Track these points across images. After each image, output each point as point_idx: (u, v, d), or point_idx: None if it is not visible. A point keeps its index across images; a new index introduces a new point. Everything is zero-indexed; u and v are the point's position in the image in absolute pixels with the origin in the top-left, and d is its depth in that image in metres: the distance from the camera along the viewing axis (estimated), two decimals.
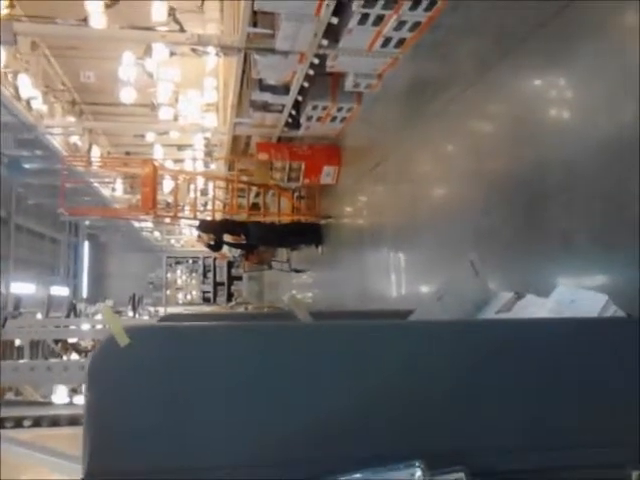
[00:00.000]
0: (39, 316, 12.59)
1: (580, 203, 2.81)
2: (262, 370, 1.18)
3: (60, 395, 5.14)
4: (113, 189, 17.23)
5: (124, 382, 1.15)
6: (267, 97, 6.89)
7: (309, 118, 7.17)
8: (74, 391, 5.51)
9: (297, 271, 10.90)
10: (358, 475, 1.10)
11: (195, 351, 1.17)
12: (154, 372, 1.16)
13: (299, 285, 11.79)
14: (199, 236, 10.03)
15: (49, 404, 4.73)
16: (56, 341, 9.16)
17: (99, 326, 7.47)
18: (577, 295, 1.47)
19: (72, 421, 2.83)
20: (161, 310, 16.88)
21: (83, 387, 1.34)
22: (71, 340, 10.02)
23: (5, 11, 7.86)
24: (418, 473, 1.06)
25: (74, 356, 9.30)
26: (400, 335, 1.28)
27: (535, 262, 3.17)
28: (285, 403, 1.18)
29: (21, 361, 5.80)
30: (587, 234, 2.75)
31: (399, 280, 5.63)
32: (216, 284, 21.19)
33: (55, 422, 2.92)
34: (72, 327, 8.66)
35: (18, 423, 2.82)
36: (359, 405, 1.20)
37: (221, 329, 1.28)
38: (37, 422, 2.87)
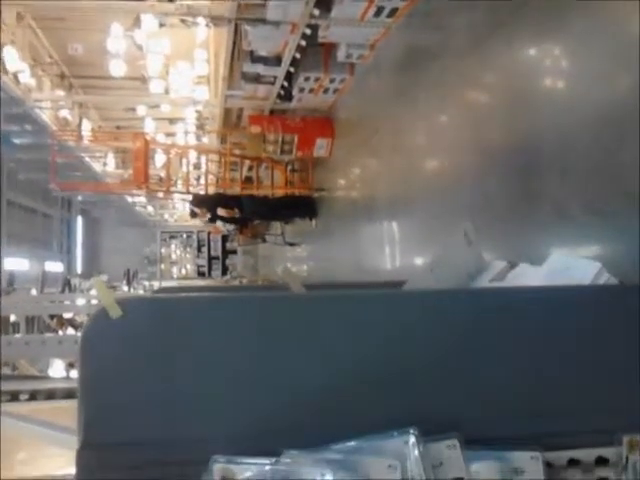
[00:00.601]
0: (34, 292, 12.59)
1: (574, 172, 2.81)
2: (255, 340, 1.18)
3: (57, 369, 5.16)
4: (105, 164, 17.09)
5: (117, 354, 1.15)
6: (259, 69, 6.81)
7: (301, 90, 7.11)
8: (71, 365, 5.53)
9: (291, 244, 10.92)
10: (352, 443, 1.10)
11: (187, 322, 1.17)
12: (147, 343, 1.16)
13: (293, 258, 11.81)
14: (192, 211, 10.00)
15: (46, 378, 4.76)
16: (51, 316, 9.17)
17: (94, 301, 7.47)
18: (570, 263, 1.48)
19: (68, 394, 2.85)
20: (156, 284, 16.91)
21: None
22: (67, 315, 10.04)
23: None
24: (412, 440, 1.07)
25: (70, 331, 9.33)
26: (392, 304, 1.28)
27: (529, 231, 3.18)
28: (279, 373, 1.18)
29: (16, 335, 5.81)
30: (580, 203, 2.75)
31: (393, 252, 5.64)
32: (211, 258, 21.20)
33: (51, 395, 2.94)
34: (67, 302, 8.66)
35: (14, 397, 2.84)
36: (353, 373, 1.21)
37: (213, 300, 1.27)
38: (33, 396, 2.89)
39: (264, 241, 12.56)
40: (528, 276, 1.58)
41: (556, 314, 1.27)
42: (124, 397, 1.15)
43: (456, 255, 1.71)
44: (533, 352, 1.27)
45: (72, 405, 1.20)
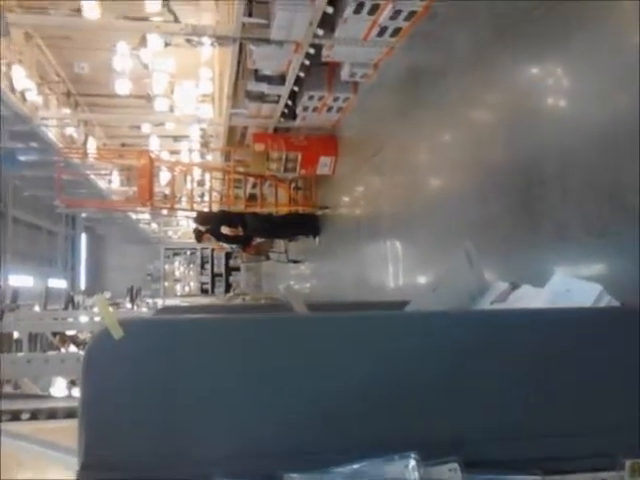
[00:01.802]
0: (37, 309, 12.59)
1: (576, 192, 2.81)
2: (257, 362, 1.18)
3: (59, 387, 5.15)
4: (109, 181, 17.17)
5: (119, 375, 1.15)
6: (263, 87, 6.86)
7: (305, 108, 7.15)
8: (72, 383, 5.52)
9: (294, 261, 10.92)
10: (353, 466, 1.10)
11: (189, 344, 1.17)
12: (149, 365, 1.16)
13: (297, 276, 11.81)
14: (198, 236, 9.94)
15: (48, 397, 4.74)
16: (54, 334, 9.16)
17: (97, 318, 7.47)
18: (572, 285, 1.48)
19: (70, 414, 2.84)
20: (159, 302, 16.91)
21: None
22: (69, 332, 10.02)
23: None
24: (412, 464, 1.07)
25: (72, 348, 9.31)
26: (394, 326, 1.29)
27: (531, 251, 3.18)
28: (280, 394, 1.18)
29: (19, 354, 5.81)
30: (582, 224, 2.75)
31: (396, 270, 5.64)
32: (214, 275, 21.23)
33: (53, 415, 2.93)
34: (70, 319, 8.66)
35: (16, 416, 2.83)
36: (354, 395, 1.21)
37: (215, 322, 1.28)
38: (35, 415, 2.88)
39: (268, 258, 12.57)
40: (530, 298, 1.58)
41: (557, 336, 1.27)
42: (125, 418, 1.15)
43: (458, 276, 1.71)
44: (534, 374, 1.27)
45: (73, 425, 1.20)
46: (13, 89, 10.36)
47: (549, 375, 1.27)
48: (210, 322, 1.28)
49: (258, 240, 11.32)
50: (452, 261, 1.74)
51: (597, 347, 1.29)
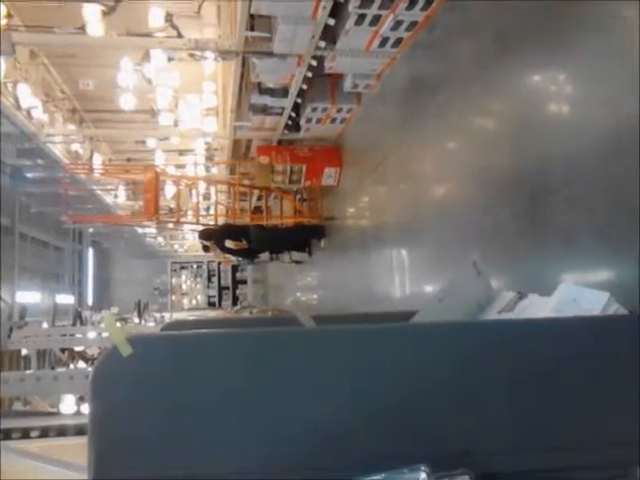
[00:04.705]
0: (45, 325, 12.62)
1: (582, 199, 2.80)
2: (266, 377, 1.18)
3: (68, 404, 5.15)
4: (115, 196, 17.26)
5: (128, 392, 1.16)
6: (266, 100, 6.89)
7: (309, 120, 7.18)
8: (81, 399, 5.52)
9: (297, 262, 10.90)
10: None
11: (198, 360, 1.17)
12: (158, 381, 1.16)
13: (303, 287, 11.79)
14: (205, 247, 10.05)
15: (57, 414, 4.74)
16: (62, 350, 9.18)
17: (105, 334, 7.48)
18: (579, 293, 1.47)
19: (79, 431, 2.84)
20: (167, 316, 16.92)
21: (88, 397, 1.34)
22: (77, 348, 10.04)
23: (3, 21, 7.88)
24: (423, 476, 1.06)
25: (81, 364, 9.32)
26: (403, 338, 1.28)
27: (538, 260, 3.17)
28: (289, 410, 1.18)
29: (27, 372, 5.81)
30: (590, 231, 2.74)
31: (402, 280, 5.63)
32: (221, 288, 21.23)
33: (62, 432, 2.93)
34: (78, 335, 8.68)
35: (25, 434, 2.83)
36: (364, 409, 1.20)
37: (223, 337, 1.28)
38: (45, 432, 2.89)
39: (272, 259, 12.59)
40: (537, 307, 1.57)
41: (567, 346, 1.26)
42: (134, 435, 1.15)
43: (465, 285, 1.71)
44: (545, 384, 1.26)
45: (83, 442, 1.20)
46: (19, 107, 10.44)
47: (560, 385, 1.27)
48: (218, 337, 1.28)
49: (263, 256, 11.34)
50: (459, 271, 1.73)
51: (608, 355, 1.28)
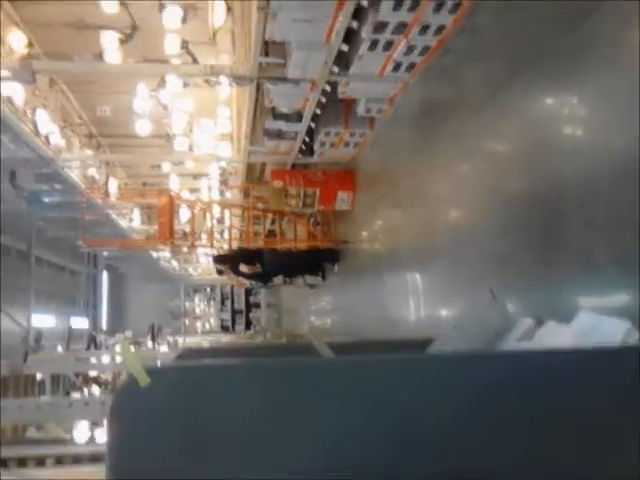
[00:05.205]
0: (60, 349, 12.66)
1: (599, 222, 2.78)
2: (283, 409, 1.17)
3: (81, 430, 5.13)
4: (130, 219, 17.38)
5: (146, 423, 1.15)
6: (280, 125, 6.95)
7: (322, 144, 7.22)
8: (95, 424, 5.50)
9: (311, 286, 10.89)
10: None
11: (215, 392, 1.16)
12: (175, 412, 1.16)
13: (317, 311, 11.75)
14: (219, 270, 10.14)
15: (70, 441, 4.72)
16: (77, 374, 9.19)
17: (119, 358, 7.48)
18: (599, 322, 1.45)
19: (93, 459, 2.82)
20: (180, 340, 16.91)
21: (105, 426, 1.34)
22: (92, 373, 10.05)
23: (24, 50, 8.04)
24: None
25: (95, 388, 9.32)
26: (423, 370, 1.27)
27: (554, 283, 3.13)
28: (311, 440, 1.17)
29: (43, 398, 5.82)
30: (606, 254, 2.71)
31: (417, 304, 5.59)
32: (234, 312, 21.20)
33: (76, 460, 2.91)
34: (92, 359, 8.69)
35: (40, 462, 2.82)
36: (382, 438, 1.19)
37: (240, 369, 1.27)
38: (59, 460, 2.87)
39: (285, 283, 12.67)
40: (556, 335, 1.55)
41: (586, 377, 1.24)
42: (153, 466, 1.14)
43: (482, 313, 1.69)
44: (566, 414, 1.24)
45: (97, 470, 1.19)
46: (38, 133, 10.60)
47: (579, 416, 1.24)
48: (236, 370, 1.26)
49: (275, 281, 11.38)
50: (476, 298, 1.72)
51: (626, 387, 1.25)
